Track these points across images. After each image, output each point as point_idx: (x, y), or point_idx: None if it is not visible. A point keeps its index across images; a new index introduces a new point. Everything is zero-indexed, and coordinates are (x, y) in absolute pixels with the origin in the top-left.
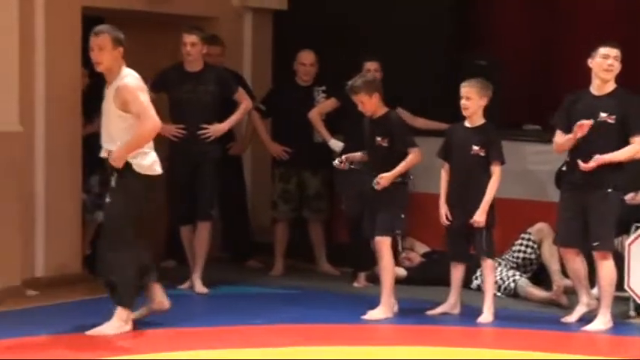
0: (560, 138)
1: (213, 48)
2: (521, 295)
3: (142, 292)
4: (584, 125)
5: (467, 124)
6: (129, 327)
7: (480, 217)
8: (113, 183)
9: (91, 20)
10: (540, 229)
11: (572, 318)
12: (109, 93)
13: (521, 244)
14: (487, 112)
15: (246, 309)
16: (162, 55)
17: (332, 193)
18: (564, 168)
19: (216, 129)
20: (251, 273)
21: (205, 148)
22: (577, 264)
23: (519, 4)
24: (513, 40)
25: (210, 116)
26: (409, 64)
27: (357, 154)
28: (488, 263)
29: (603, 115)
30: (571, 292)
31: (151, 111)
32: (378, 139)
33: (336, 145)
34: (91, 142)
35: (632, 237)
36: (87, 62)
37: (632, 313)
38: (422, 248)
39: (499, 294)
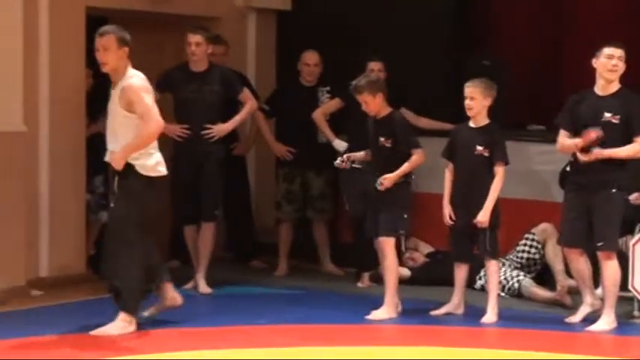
0: (564, 139)
1: (217, 47)
2: (525, 295)
3: (148, 294)
4: (592, 136)
5: (471, 124)
6: (133, 327)
7: (483, 218)
8: (115, 186)
9: (95, 21)
10: (544, 229)
11: (576, 318)
12: (115, 93)
13: (525, 245)
14: (491, 112)
15: (249, 309)
16: (165, 55)
17: (336, 194)
18: (568, 168)
19: (221, 129)
20: (255, 273)
21: (209, 148)
22: (581, 264)
23: (523, 4)
24: (517, 40)
25: (215, 116)
26: (413, 64)
27: (359, 154)
28: (492, 264)
29: (607, 115)
30: (575, 293)
31: (155, 112)
32: (382, 139)
33: (340, 145)
34: (95, 143)
35: (637, 237)
36: (91, 63)
37: (636, 313)
38: (426, 248)
39: (503, 294)
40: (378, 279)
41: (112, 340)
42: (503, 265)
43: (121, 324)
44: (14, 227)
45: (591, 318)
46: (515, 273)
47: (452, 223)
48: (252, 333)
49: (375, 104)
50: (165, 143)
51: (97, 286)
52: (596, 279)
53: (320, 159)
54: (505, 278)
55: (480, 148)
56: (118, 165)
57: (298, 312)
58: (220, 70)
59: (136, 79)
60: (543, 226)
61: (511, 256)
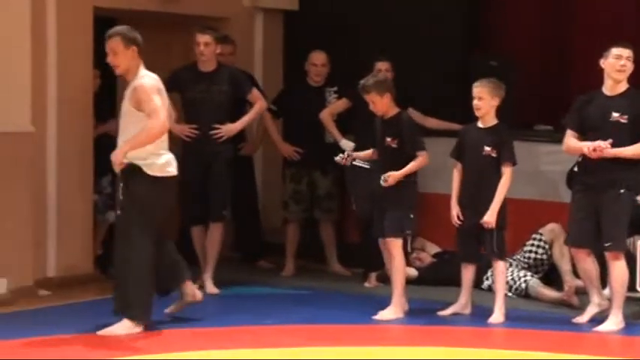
0: (570, 139)
1: (225, 47)
2: (532, 295)
3: (169, 293)
4: (601, 148)
5: (480, 124)
6: (140, 327)
7: (489, 218)
8: (120, 193)
9: (103, 21)
10: (552, 229)
11: (583, 318)
12: (127, 93)
13: (532, 245)
14: (499, 112)
15: (256, 309)
16: (173, 55)
17: (343, 194)
18: (576, 168)
19: (229, 129)
20: (262, 273)
21: (218, 148)
22: (588, 264)
23: (531, 4)
24: (525, 41)
25: (223, 116)
26: (420, 64)
27: (362, 153)
28: (499, 264)
29: (615, 115)
30: (582, 293)
31: (162, 113)
32: (388, 139)
33: (347, 145)
34: (103, 143)
35: None
36: (99, 63)
37: None
38: (433, 248)
39: (510, 294)
40: (385, 279)
41: (119, 340)
42: (511, 265)
43: (128, 324)
44: (22, 227)
45: (599, 318)
46: (522, 273)
47: (459, 223)
48: (259, 333)
49: (382, 104)
50: (174, 143)
51: (104, 286)
52: (604, 279)
53: (327, 159)
54: (512, 278)
55: (487, 148)
56: (116, 159)
57: (305, 312)
58: (229, 70)
59: (147, 79)
60: (551, 226)
61: (518, 257)
